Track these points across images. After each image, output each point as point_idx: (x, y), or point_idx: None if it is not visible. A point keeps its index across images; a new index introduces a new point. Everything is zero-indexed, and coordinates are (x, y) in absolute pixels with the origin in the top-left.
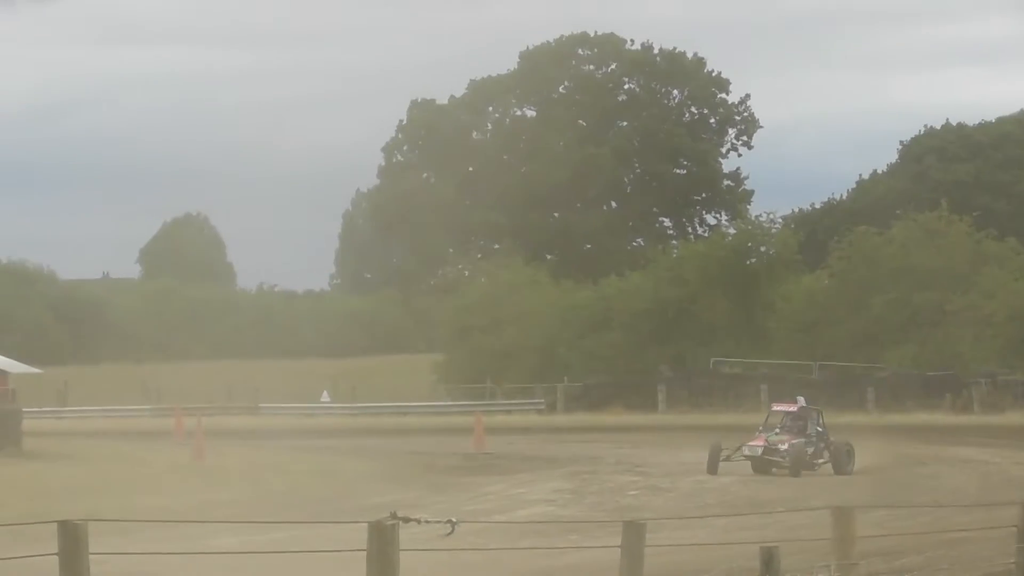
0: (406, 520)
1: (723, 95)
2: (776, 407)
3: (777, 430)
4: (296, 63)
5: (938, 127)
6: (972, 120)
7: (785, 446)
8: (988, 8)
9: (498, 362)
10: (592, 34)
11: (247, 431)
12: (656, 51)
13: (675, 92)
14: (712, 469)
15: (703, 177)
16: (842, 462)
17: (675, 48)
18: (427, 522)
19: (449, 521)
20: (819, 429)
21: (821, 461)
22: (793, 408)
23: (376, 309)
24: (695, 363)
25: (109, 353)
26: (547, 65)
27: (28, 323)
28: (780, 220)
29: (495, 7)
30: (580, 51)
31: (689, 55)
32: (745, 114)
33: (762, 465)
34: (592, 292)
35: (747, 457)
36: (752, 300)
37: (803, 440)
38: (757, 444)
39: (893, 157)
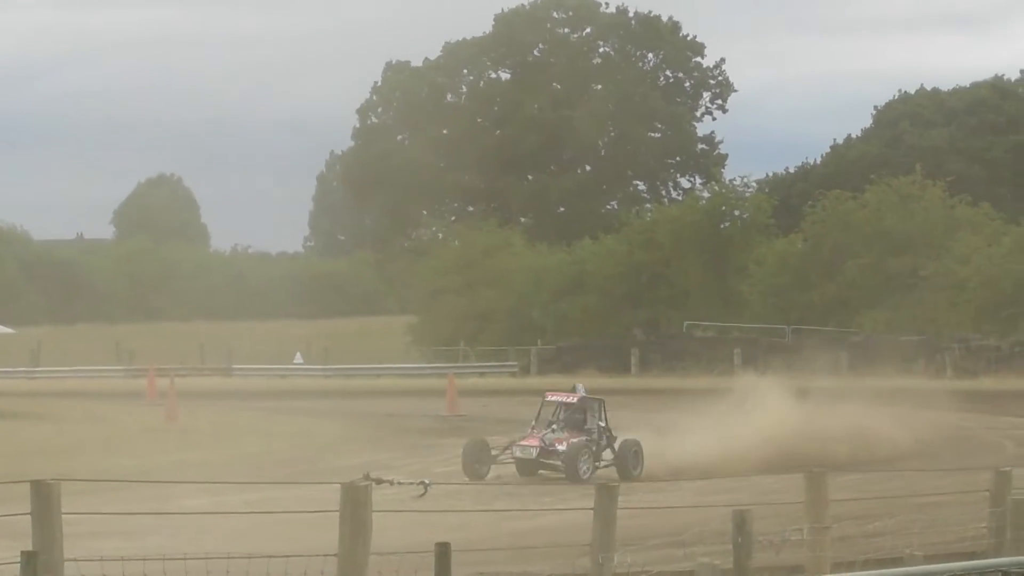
0: (379, 481)
1: (698, 59)
2: (550, 396)
3: (554, 427)
4: (271, 25)
5: (912, 92)
6: (947, 85)
7: (563, 446)
8: None
9: (471, 324)
10: None
11: (220, 392)
12: (631, 14)
13: (650, 56)
14: (470, 472)
15: (677, 141)
16: (628, 464)
17: (650, 12)
18: (400, 483)
19: (422, 483)
20: (601, 424)
21: (602, 464)
22: (571, 399)
23: (350, 271)
24: (668, 327)
25: (82, 314)
26: (522, 28)
27: (1, 284)
28: (754, 184)
29: None
30: (555, 14)
31: (664, 19)
32: (720, 78)
33: (531, 468)
34: (566, 255)
35: (517, 459)
36: (725, 264)
37: (584, 439)
38: (531, 444)
39: (867, 122)
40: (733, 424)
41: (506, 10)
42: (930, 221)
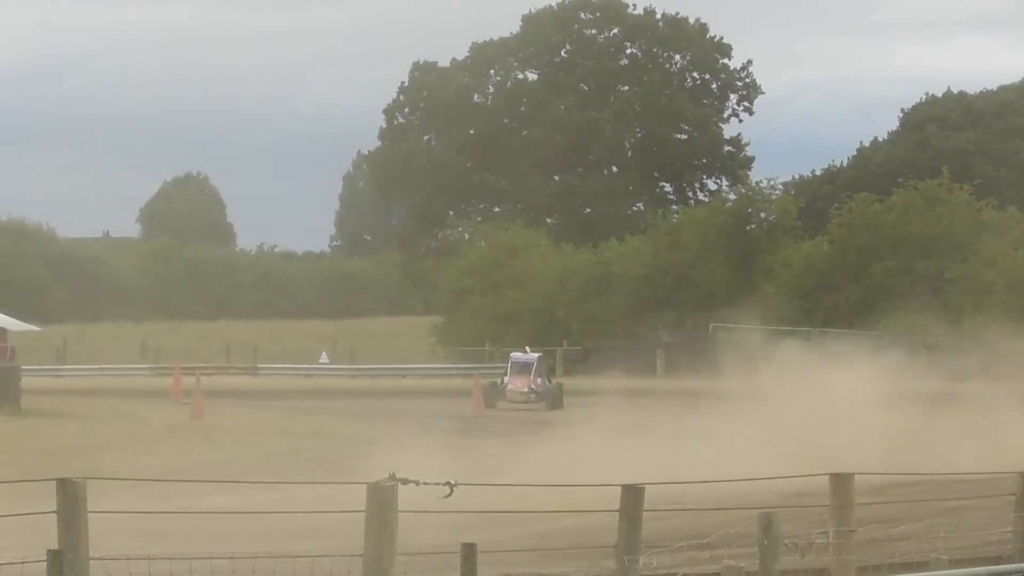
0: (404, 482)
1: (725, 60)
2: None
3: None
4: (299, 24)
5: (939, 95)
6: (973, 88)
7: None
8: None
9: (497, 325)
10: None
11: (245, 391)
12: (658, 16)
13: (677, 57)
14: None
15: (704, 143)
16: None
17: (677, 13)
18: (425, 484)
19: (447, 483)
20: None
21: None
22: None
23: (375, 271)
24: (694, 328)
25: (108, 312)
26: (549, 28)
27: (27, 281)
28: (780, 186)
29: None
30: (582, 15)
31: (691, 20)
32: (747, 80)
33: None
34: (592, 256)
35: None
36: (751, 266)
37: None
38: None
39: (894, 124)
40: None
41: (533, 11)
42: (956, 224)
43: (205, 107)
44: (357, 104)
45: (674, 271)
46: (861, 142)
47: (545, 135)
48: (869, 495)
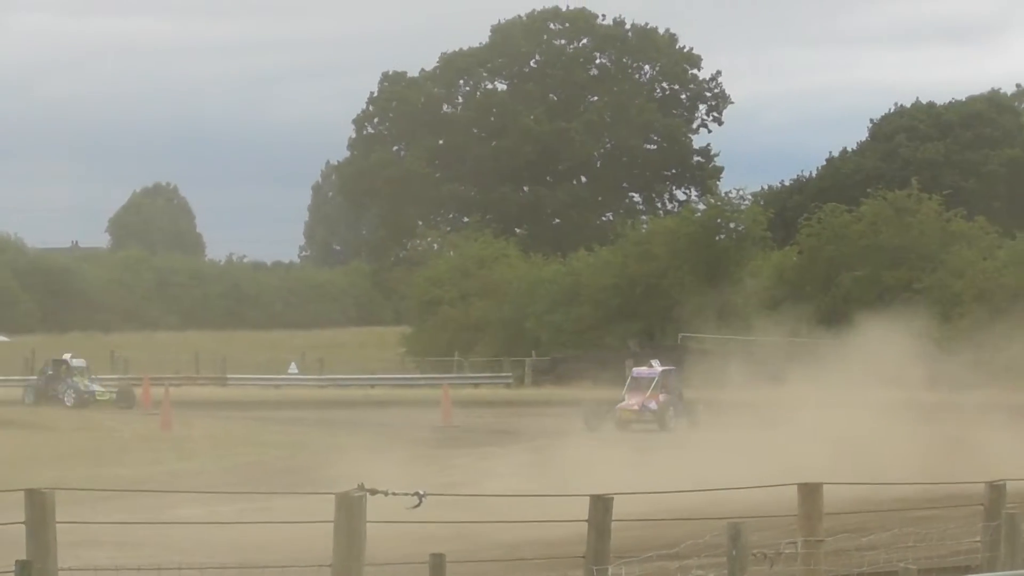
0: (373, 492)
1: (694, 71)
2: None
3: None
4: (268, 35)
5: (908, 105)
6: (943, 99)
7: (653, 404)
8: None
9: (466, 335)
10: (564, 8)
11: (214, 402)
12: (628, 26)
13: (646, 67)
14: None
15: (673, 153)
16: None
17: (647, 23)
18: (394, 494)
19: (416, 494)
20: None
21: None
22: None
23: (345, 281)
24: (663, 338)
25: (77, 322)
26: (518, 39)
27: None
28: (750, 196)
29: None
30: (552, 25)
31: (661, 31)
32: (716, 90)
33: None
34: (561, 266)
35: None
36: (721, 276)
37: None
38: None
39: (863, 135)
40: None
41: (503, 21)
42: (925, 234)
43: (174, 117)
44: (326, 114)
45: (643, 281)
46: (830, 152)
47: (514, 145)
48: (838, 505)
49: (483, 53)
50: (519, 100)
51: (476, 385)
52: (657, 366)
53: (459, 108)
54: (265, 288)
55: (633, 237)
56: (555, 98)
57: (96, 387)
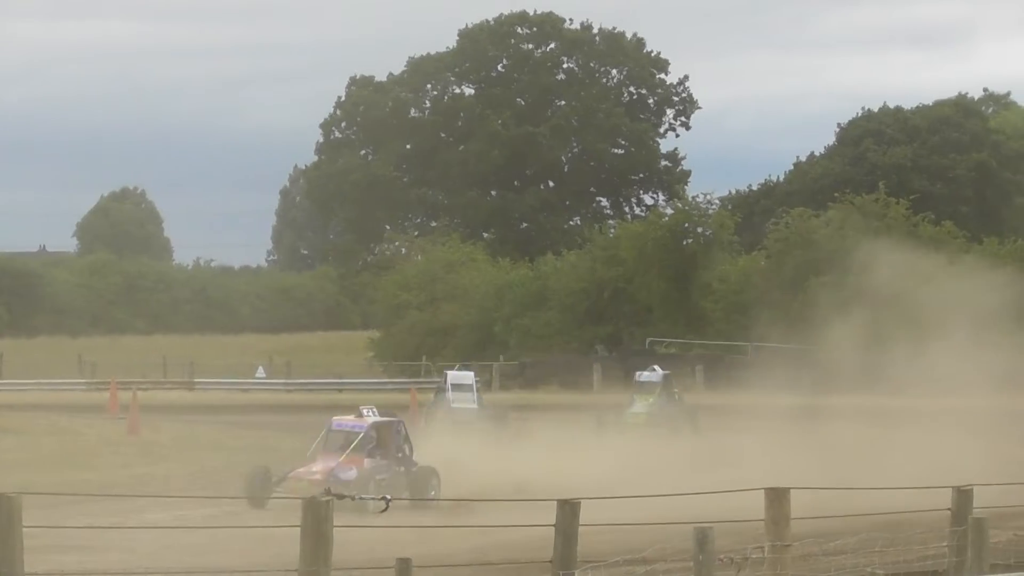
0: (340, 497)
1: (662, 75)
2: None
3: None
4: (235, 39)
5: (876, 110)
6: (910, 103)
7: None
8: None
9: (434, 339)
10: (531, 13)
11: (182, 406)
12: (595, 31)
13: (614, 72)
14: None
15: (641, 157)
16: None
17: (614, 28)
18: (361, 499)
19: (383, 498)
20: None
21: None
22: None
23: (312, 285)
24: (631, 343)
25: (45, 326)
26: (486, 43)
27: None
28: (717, 201)
29: None
30: (519, 29)
31: (628, 35)
32: (683, 95)
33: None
34: (529, 271)
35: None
36: (688, 281)
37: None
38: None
39: (831, 139)
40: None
41: (470, 25)
42: (893, 239)
43: (142, 121)
44: (294, 119)
45: (611, 286)
46: (798, 157)
47: (482, 150)
48: (804, 509)
49: (451, 58)
50: (487, 104)
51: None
52: (659, 370)
53: (427, 112)
54: (233, 292)
55: (601, 242)
56: (522, 102)
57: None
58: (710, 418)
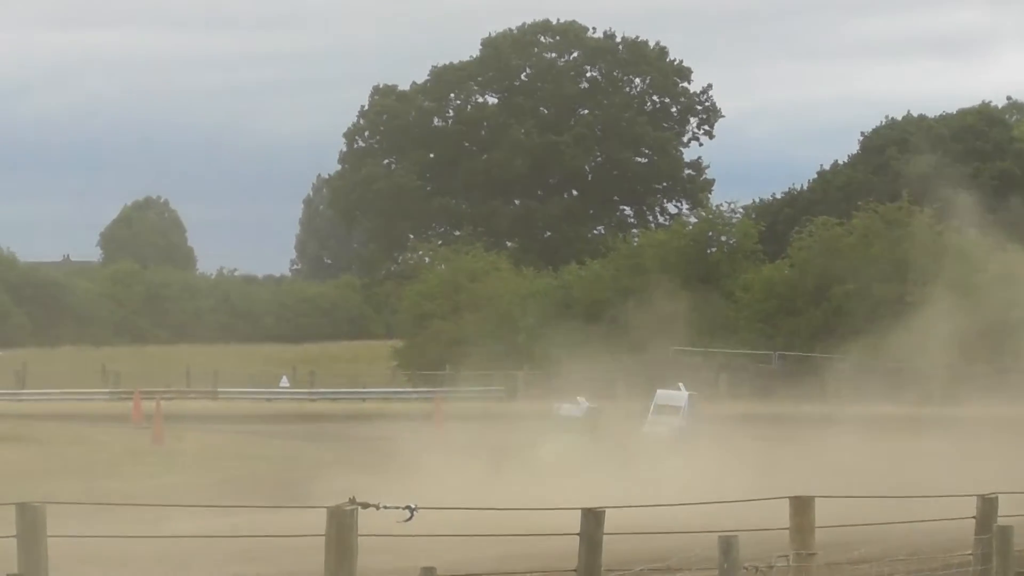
0: (365, 506)
1: (685, 84)
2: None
3: None
4: (259, 48)
5: (899, 118)
6: (933, 111)
7: None
8: (950, 1)
9: (457, 348)
10: (554, 22)
11: (206, 415)
12: (618, 39)
13: (637, 81)
14: None
15: (664, 166)
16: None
17: (637, 36)
18: (386, 508)
19: (408, 507)
20: None
21: None
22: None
23: (336, 295)
24: (655, 351)
25: (68, 336)
26: (509, 52)
27: None
28: (741, 210)
29: None
30: (542, 38)
31: (651, 44)
32: (707, 103)
33: None
34: (552, 280)
35: None
36: (712, 289)
37: None
38: None
39: (854, 148)
40: None
41: (493, 34)
42: (916, 247)
43: (165, 131)
44: (317, 128)
45: (635, 295)
46: (821, 165)
47: (505, 159)
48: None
49: (474, 67)
50: (510, 114)
51: (467, 398)
52: (684, 390)
53: (450, 122)
54: (256, 302)
55: (624, 250)
56: (546, 111)
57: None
58: (735, 427)
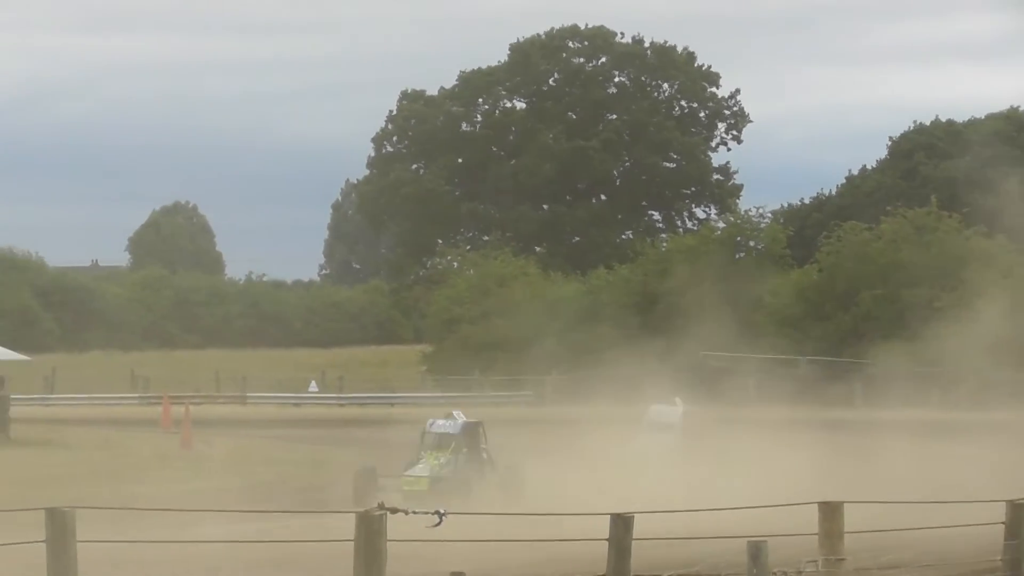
0: (394, 511)
1: (713, 89)
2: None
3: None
4: (287, 53)
5: (928, 123)
6: (962, 116)
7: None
8: (979, 5)
9: (486, 353)
10: (582, 27)
11: (235, 420)
12: (646, 44)
13: (665, 86)
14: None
15: (692, 171)
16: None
17: (665, 41)
18: (415, 513)
19: (437, 512)
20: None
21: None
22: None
23: (364, 299)
24: (684, 356)
25: (97, 341)
26: (537, 57)
27: (16, 310)
28: (769, 215)
29: None
30: (570, 43)
31: (679, 49)
32: (735, 108)
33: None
34: (581, 284)
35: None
36: (741, 294)
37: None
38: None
39: (883, 153)
40: None
41: (521, 39)
42: (945, 253)
43: (194, 136)
44: (345, 133)
45: (663, 300)
46: (850, 170)
47: (533, 164)
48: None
49: (502, 71)
50: (538, 118)
51: (496, 403)
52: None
53: (478, 126)
54: (285, 306)
55: (653, 255)
56: (574, 116)
57: None
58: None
